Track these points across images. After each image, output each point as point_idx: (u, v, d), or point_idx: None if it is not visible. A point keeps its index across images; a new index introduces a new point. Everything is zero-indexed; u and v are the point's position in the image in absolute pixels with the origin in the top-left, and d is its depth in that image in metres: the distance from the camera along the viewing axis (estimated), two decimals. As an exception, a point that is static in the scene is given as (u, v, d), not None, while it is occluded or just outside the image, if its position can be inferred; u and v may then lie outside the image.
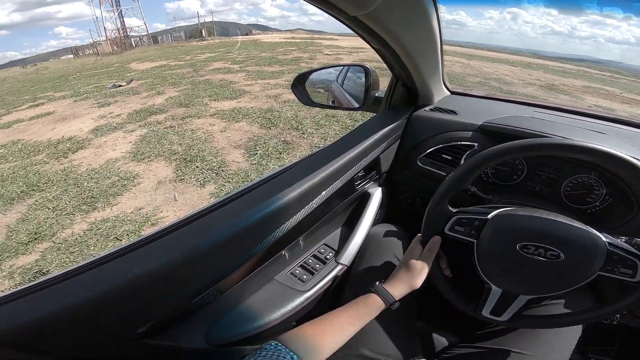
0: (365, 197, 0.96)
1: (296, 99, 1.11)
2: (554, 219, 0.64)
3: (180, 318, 0.59)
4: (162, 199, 2.75)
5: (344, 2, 0.46)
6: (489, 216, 0.65)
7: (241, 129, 4.13)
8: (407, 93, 1.05)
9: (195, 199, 2.73)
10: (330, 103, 1.25)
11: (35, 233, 2.50)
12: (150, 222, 2.46)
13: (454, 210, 0.68)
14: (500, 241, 0.64)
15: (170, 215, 2.55)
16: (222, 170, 3.09)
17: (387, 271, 0.75)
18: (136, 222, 2.46)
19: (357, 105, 1.08)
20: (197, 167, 3.18)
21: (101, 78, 10.75)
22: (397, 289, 0.65)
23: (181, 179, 3.01)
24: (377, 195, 0.97)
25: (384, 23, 0.60)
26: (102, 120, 5.28)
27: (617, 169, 0.62)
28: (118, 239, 2.32)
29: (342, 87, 1.22)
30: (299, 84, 1.07)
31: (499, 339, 0.72)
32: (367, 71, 1.04)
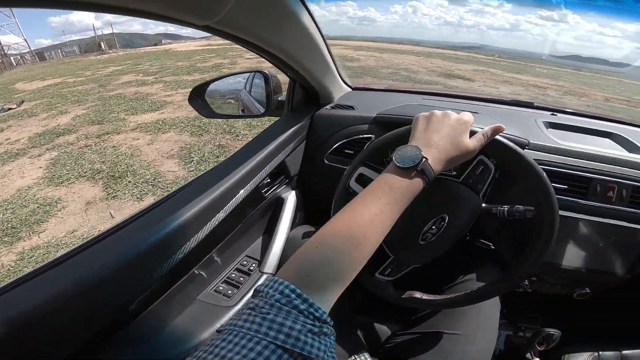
0: (279, 203, 0.96)
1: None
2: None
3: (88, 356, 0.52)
4: (96, 218, 2.59)
5: (187, 15, 0.45)
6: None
7: (170, 140, 4.01)
8: (307, 94, 1.07)
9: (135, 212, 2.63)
10: (240, 112, 1.23)
11: None
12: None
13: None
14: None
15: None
16: (159, 182, 3.01)
17: None
18: (74, 244, 2.30)
19: (262, 112, 1.07)
20: (130, 182, 3.04)
21: (-22, 102, 9.07)
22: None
23: (114, 196, 2.84)
24: (290, 199, 0.98)
25: (245, 28, 0.59)
26: (-3, 148, 4.57)
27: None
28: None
29: (249, 94, 1.21)
30: (197, 97, 1.01)
31: (431, 321, 0.74)
32: (265, 76, 1.03)
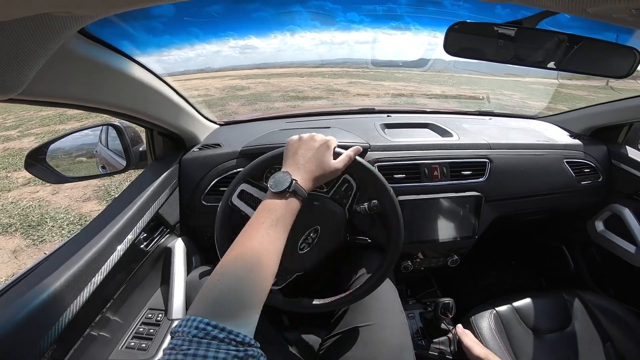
0: (168, 252, 0.96)
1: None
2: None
3: None
4: (31, 261, 2.70)
5: None
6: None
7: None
8: (171, 140, 1.05)
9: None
10: (100, 169, 1.11)
11: None
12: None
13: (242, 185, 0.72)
14: None
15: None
16: (85, 221, 3.21)
17: None
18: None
19: (123, 165, 1.01)
20: (53, 226, 3.16)
21: None
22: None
23: (41, 240, 2.95)
24: (178, 246, 0.97)
25: (60, 93, 0.56)
26: None
27: None
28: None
29: (107, 148, 1.12)
30: (37, 162, 0.91)
31: (346, 320, 0.79)
32: (118, 129, 0.99)
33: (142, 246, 0.85)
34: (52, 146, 0.94)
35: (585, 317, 1.01)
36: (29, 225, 3.21)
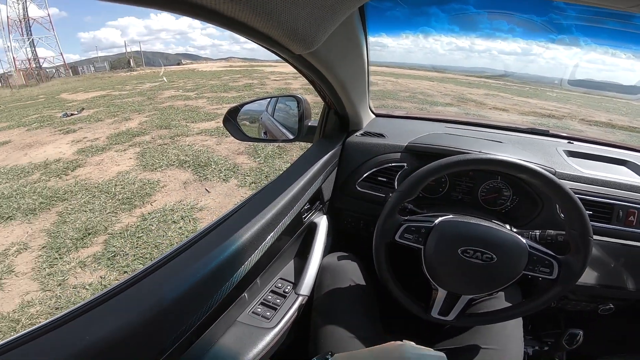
0: (313, 227, 0.98)
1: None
2: (488, 225, 0.72)
3: None
4: (195, 193, 3.34)
5: (291, 41, 0.46)
6: (434, 223, 0.72)
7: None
8: (339, 120, 1.08)
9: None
10: (262, 135, 1.21)
11: (86, 229, 2.84)
12: (197, 209, 3.04)
13: (403, 219, 0.74)
14: (444, 246, 0.70)
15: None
16: (238, 170, 3.77)
17: (349, 294, 0.82)
18: (184, 210, 3.03)
19: (291, 137, 1.08)
20: (214, 169, 3.81)
21: (37, 109, 10.14)
22: None
23: (205, 178, 3.61)
24: (323, 223, 0.99)
25: (324, 59, 0.63)
26: (80, 144, 5.40)
27: (517, 174, 0.71)
28: (175, 222, 2.86)
29: (273, 118, 1.20)
30: (232, 118, 1.00)
31: (463, 337, 0.78)
32: (299, 100, 1.03)
33: (303, 216, 0.89)
34: (244, 108, 1.04)
35: None
36: (198, 165, 3.96)
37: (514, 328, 0.80)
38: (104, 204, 3.24)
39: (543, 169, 0.69)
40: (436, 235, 0.71)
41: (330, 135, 1.08)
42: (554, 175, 0.88)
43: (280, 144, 4.30)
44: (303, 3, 0.39)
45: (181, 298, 0.51)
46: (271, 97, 1.16)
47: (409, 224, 0.73)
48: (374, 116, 1.25)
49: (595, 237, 0.85)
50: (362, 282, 0.87)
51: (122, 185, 3.64)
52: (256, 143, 4.18)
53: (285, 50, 0.49)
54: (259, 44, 0.46)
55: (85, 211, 3.15)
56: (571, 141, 1.17)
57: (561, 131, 1.26)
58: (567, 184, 0.90)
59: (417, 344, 0.84)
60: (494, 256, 0.67)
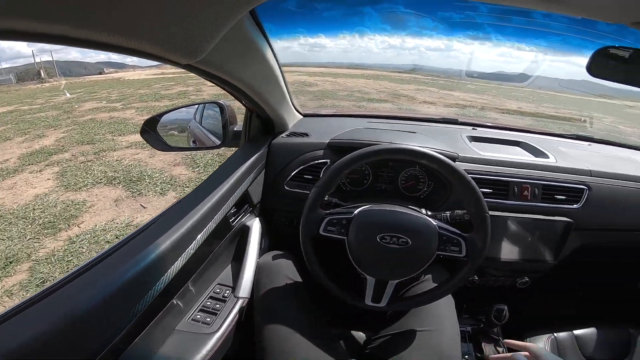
0: (245, 230, 0.98)
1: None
2: (403, 210, 0.76)
3: None
4: (129, 210, 3.14)
5: (172, 54, 0.46)
6: (354, 213, 0.75)
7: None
8: (263, 124, 1.10)
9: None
10: (191, 144, 1.21)
11: (7, 258, 2.53)
12: (133, 226, 2.87)
13: (325, 212, 0.76)
14: (364, 234, 0.72)
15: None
16: (175, 182, 3.62)
17: (286, 291, 0.83)
18: (117, 229, 2.86)
19: (218, 143, 1.08)
20: (149, 182, 3.61)
21: None
22: None
23: (139, 193, 3.40)
24: (255, 226, 1.00)
25: (218, 65, 0.63)
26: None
27: (419, 160, 0.74)
28: (109, 242, 2.67)
29: (201, 125, 1.20)
30: (150, 129, 0.98)
31: (402, 322, 0.81)
32: (221, 107, 1.04)
33: (230, 220, 0.90)
34: (164, 117, 1.03)
35: None
36: (130, 180, 3.70)
37: (446, 308, 0.84)
38: (22, 231, 2.89)
39: (442, 153, 0.74)
40: (356, 225, 0.73)
41: (255, 138, 1.10)
42: (456, 159, 0.98)
43: (220, 152, 4.22)
44: (175, 20, 0.40)
45: (100, 305, 0.49)
46: (194, 104, 1.17)
47: (331, 217, 0.75)
48: (301, 117, 1.29)
49: (495, 212, 0.95)
50: (298, 278, 0.89)
51: (41, 208, 3.27)
52: (188, 152, 4.11)
53: (170, 61, 0.48)
54: (145, 58, 0.46)
55: (2, 239, 2.79)
56: (475, 127, 1.29)
57: (469, 119, 1.37)
58: (467, 166, 0.97)
59: (363, 333, 0.89)
60: (409, 240, 0.71)
